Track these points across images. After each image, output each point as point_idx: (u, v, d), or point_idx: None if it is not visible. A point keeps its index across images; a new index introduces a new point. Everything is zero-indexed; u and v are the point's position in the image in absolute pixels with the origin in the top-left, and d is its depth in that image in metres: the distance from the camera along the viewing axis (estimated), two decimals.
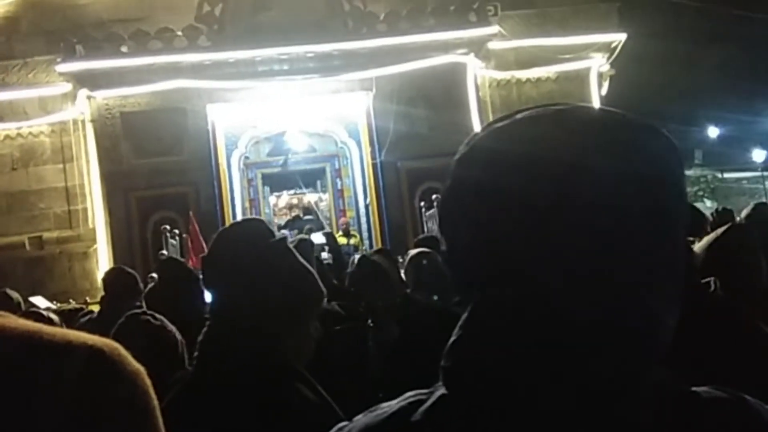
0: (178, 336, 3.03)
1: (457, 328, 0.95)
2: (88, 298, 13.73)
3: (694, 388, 0.93)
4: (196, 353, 2.11)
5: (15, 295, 6.68)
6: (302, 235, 5.90)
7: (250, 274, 2.02)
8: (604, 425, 0.86)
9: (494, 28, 15.77)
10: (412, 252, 5.41)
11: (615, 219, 0.86)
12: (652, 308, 0.88)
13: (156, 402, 0.87)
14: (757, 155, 32.20)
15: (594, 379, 0.86)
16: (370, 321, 4.19)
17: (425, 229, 15.03)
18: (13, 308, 5.99)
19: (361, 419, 1.01)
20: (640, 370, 0.88)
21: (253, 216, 13.87)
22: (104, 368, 0.83)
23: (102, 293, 5.82)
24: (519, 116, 0.96)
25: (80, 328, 4.81)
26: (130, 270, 5.70)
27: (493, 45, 16.19)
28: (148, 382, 0.87)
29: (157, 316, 3.04)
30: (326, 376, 2.24)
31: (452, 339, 0.95)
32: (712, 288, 2.50)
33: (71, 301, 13.22)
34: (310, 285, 2.12)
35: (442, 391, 0.95)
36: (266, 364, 1.96)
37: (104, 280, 5.71)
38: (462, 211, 0.94)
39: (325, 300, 2.22)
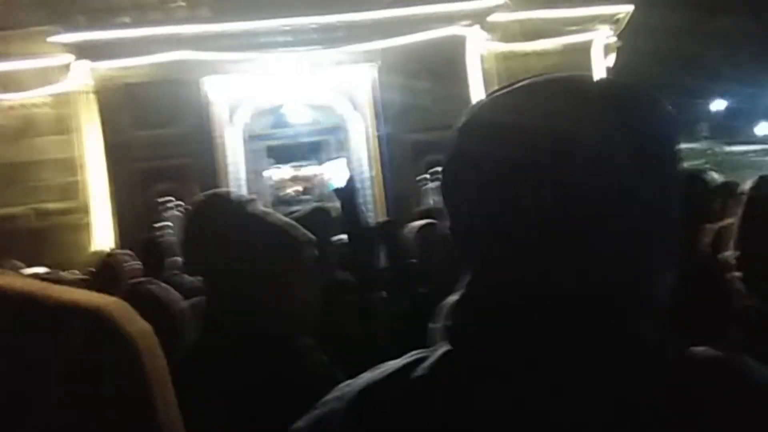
0: (183, 305, 3.01)
1: (461, 288, 0.99)
2: (86, 270, 13.74)
3: (693, 348, 0.95)
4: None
5: (17, 265, 6.73)
6: (318, 204, 5.81)
7: (223, 250, 2.03)
8: (604, 382, 0.88)
9: (499, 0, 15.65)
10: (418, 223, 5.40)
11: (609, 183, 0.89)
12: (646, 264, 0.92)
13: (164, 362, 0.87)
14: (762, 128, 32.24)
15: (593, 335, 0.89)
16: (384, 292, 4.17)
17: (429, 202, 15.01)
18: None
19: (364, 376, 1.04)
20: (639, 327, 0.91)
21: (214, 191, 13.88)
22: (111, 327, 0.83)
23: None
24: (517, 85, 0.99)
25: None
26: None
27: (498, 17, 16.09)
28: (155, 341, 0.87)
29: (162, 284, 3.06)
30: (335, 345, 2.25)
31: (456, 299, 0.99)
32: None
33: (76, 272, 13.24)
34: (281, 237, 2.10)
35: (445, 348, 0.98)
36: (268, 332, 1.97)
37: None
38: (462, 178, 0.98)
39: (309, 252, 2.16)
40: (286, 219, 2.15)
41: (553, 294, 0.89)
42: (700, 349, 0.95)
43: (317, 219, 3.41)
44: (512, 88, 0.99)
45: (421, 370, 0.97)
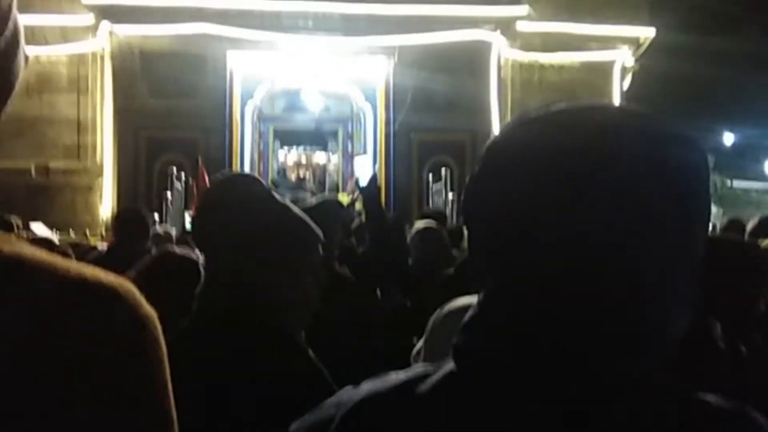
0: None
1: (473, 307, 0.97)
2: (88, 231, 13.75)
3: (699, 395, 0.93)
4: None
5: (14, 219, 6.69)
6: (327, 195, 5.82)
7: (241, 230, 2.01)
8: (604, 420, 0.87)
9: (524, 8, 15.68)
10: (419, 224, 5.41)
11: (636, 215, 0.88)
12: (664, 303, 0.90)
13: (165, 349, 0.86)
14: None
15: (602, 369, 0.88)
16: (378, 290, 4.16)
17: (431, 202, 15.03)
18: (11, 233, 5.98)
19: (367, 385, 1.02)
20: (646, 367, 0.90)
21: (241, 172, 13.91)
22: (116, 308, 0.82)
23: (106, 229, 5.86)
24: (548, 111, 0.98)
25: (91, 263, 4.80)
26: (142, 211, 5.71)
27: (521, 26, 16.09)
28: (159, 327, 0.86)
29: (194, 256, 3.00)
30: (328, 342, 2.22)
31: (467, 317, 0.97)
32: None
33: (71, 232, 13.25)
34: (301, 232, 2.09)
35: (450, 367, 0.96)
36: (261, 325, 1.94)
37: (118, 217, 5.70)
38: (487, 199, 0.96)
39: (322, 250, 2.16)
40: (304, 214, 2.12)
41: (567, 322, 0.88)
42: (707, 396, 0.93)
43: (326, 211, 3.36)
44: (544, 113, 0.98)
45: (424, 387, 0.95)
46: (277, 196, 2.13)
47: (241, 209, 2.04)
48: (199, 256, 2.55)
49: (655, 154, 0.90)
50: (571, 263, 0.88)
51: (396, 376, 1.01)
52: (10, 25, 0.88)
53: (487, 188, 0.96)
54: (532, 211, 0.90)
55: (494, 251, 0.95)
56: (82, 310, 0.80)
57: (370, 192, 4.22)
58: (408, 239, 4.99)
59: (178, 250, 2.90)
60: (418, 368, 1.01)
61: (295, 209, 2.12)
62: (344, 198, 15.17)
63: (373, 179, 4.36)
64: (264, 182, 2.21)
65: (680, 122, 0.97)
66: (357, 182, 4.53)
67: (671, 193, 0.89)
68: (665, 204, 0.89)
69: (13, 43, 0.89)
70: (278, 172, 20.31)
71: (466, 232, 1.03)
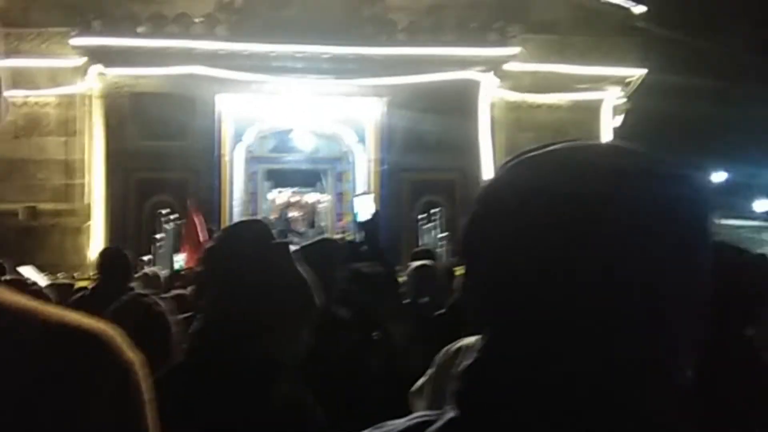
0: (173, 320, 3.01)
1: (474, 352, 0.95)
2: (76, 274, 13.67)
3: None
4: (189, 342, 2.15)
5: (1, 261, 6.70)
6: (325, 236, 5.96)
7: (252, 274, 2.05)
8: None
9: (513, 50, 15.84)
10: (415, 263, 5.44)
11: (637, 255, 0.86)
12: (669, 343, 0.88)
13: (149, 394, 0.85)
14: (760, 205, 32.38)
15: (602, 416, 0.86)
16: (375, 333, 4.16)
17: (421, 241, 15.02)
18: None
19: None
20: (655, 409, 0.88)
21: (255, 217, 13.94)
22: (98, 355, 0.81)
23: (94, 271, 5.85)
24: (545, 150, 0.96)
25: (73, 305, 4.76)
26: (126, 251, 5.69)
27: (511, 66, 16.25)
28: (142, 372, 0.85)
29: (159, 300, 3.06)
30: (324, 381, 2.22)
31: (467, 363, 0.95)
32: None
33: (60, 275, 13.17)
34: (305, 292, 2.13)
35: (451, 414, 0.93)
36: (256, 360, 1.98)
37: (100, 258, 5.69)
38: (485, 241, 0.94)
39: (316, 303, 2.19)
40: (305, 272, 2.16)
41: (568, 367, 0.87)
42: None
43: (323, 250, 3.41)
44: (540, 152, 0.96)
45: None
46: (283, 246, 2.18)
47: (247, 257, 2.09)
48: (169, 305, 2.62)
49: (653, 191, 0.89)
50: (571, 305, 0.86)
51: (394, 424, 0.99)
52: None
53: (484, 229, 0.95)
54: (531, 253, 0.88)
55: (493, 293, 0.93)
56: (65, 357, 0.79)
57: (370, 227, 4.35)
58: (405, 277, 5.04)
59: (148, 296, 3.01)
60: (418, 416, 0.99)
61: (300, 267, 2.15)
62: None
63: (375, 215, 4.51)
64: (273, 230, 2.25)
65: (675, 159, 0.96)
66: (355, 218, 4.70)
67: (673, 229, 0.88)
68: (666, 240, 0.87)
69: None
70: (272, 212, 20.31)
71: (462, 272, 0.99)
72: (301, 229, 18.64)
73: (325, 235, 5.93)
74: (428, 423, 0.95)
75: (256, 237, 2.15)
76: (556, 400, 0.87)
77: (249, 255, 2.09)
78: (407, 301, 4.93)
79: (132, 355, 0.85)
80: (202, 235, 12.81)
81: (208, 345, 2.04)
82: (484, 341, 0.94)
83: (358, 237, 4.99)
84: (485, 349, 0.94)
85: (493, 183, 0.97)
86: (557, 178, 0.91)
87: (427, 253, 7.29)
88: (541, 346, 0.88)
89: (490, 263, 0.93)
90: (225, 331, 2.01)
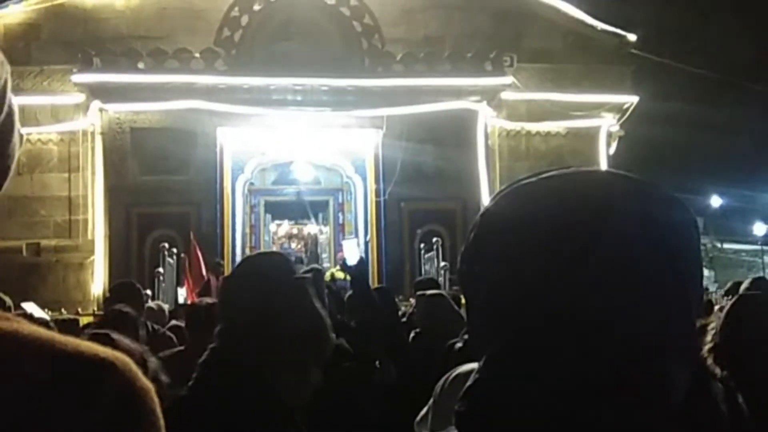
0: (147, 356, 2.94)
1: (475, 373, 0.97)
2: (80, 309, 13.66)
3: None
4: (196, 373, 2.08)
5: (7, 299, 6.66)
6: (315, 265, 5.91)
7: (269, 307, 2.01)
8: None
9: (508, 79, 15.89)
10: (426, 292, 5.43)
11: (631, 278, 0.88)
12: (663, 361, 0.90)
13: (161, 422, 0.86)
14: (758, 228, 32.27)
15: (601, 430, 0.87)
16: (377, 362, 4.16)
17: (422, 270, 15.02)
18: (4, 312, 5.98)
19: None
20: (651, 427, 0.89)
21: (274, 250, 13.86)
22: (115, 383, 0.82)
23: (96, 306, 5.84)
24: (545, 176, 0.98)
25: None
26: (137, 284, 5.71)
27: (506, 95, 16.30)
28: (156, 399, 0.86)
29: (117, 337, 2.91)
30: (324, 412, 2.20)
31: (469, 383, 0.96)
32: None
33: (63, 311, 13.17)
34: (321, 331, 2.10)
35: None
36: (261, 398, 1.95)
37: (111, 290, 5.70)
38: (483, 266, 0.96)
39: (331, 344, 2.18)
40: (321, 309, 2.12)
41: (566, 388, 0.88)
42: None
43: (315, 280, 3.37)
44: (535, 179, 0.98)
45: None
46: (301, 282, 2.12)
47: (263, 291, 2.05)
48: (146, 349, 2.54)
49: (646, 217, 0.91)
50: (569, 329, 0.88)
51: None
52: (5, 107, 0.90)
53: (482, 257, 0.97)
54: (528, 279, 0.90)
55: (492, 319, 0.95)
56: (80, 385, 0.80)
57: (356, 271, 4.38)
58: (413, 307, 5.02)
59: (125, 339, 2.86)
60: None
61: (316, 302, 2.11)
62: (338, 273, 15.18)
63: (360, 261, 4.54)
64: (293, 265, 2.20)
65: (667, 186, 0.99)
66: (344, 262, 4.68)
67: (664, 255, 0.90)
68: (658, 266, 0.90)
69: (8, 125, 0.91)
70: (272, 245, 20.30)
71: (463, 300, 1.03)
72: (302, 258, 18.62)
73: (315, 265, 5.89)
74: None
75: (272, 271, 2.10)
76: (555, 419, 0.88)
77: (265, 289, 2.05)
78: (417, 330, 4.92)
79: (147, 382, 0.85)
80: (204, 269, 12.84)
81: (214, 377, 2.01)
82: (484, 362, 0.96)
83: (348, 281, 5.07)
84: (485, 370, 0.95)
85: (487, 211, 0.99)
86: (549, 206, 0.93)
87: (432, 282, 7.22)
88: (537, 367, 0.89)
89: (486, 289, 0.95)
90: (231, 365, 1.98)
